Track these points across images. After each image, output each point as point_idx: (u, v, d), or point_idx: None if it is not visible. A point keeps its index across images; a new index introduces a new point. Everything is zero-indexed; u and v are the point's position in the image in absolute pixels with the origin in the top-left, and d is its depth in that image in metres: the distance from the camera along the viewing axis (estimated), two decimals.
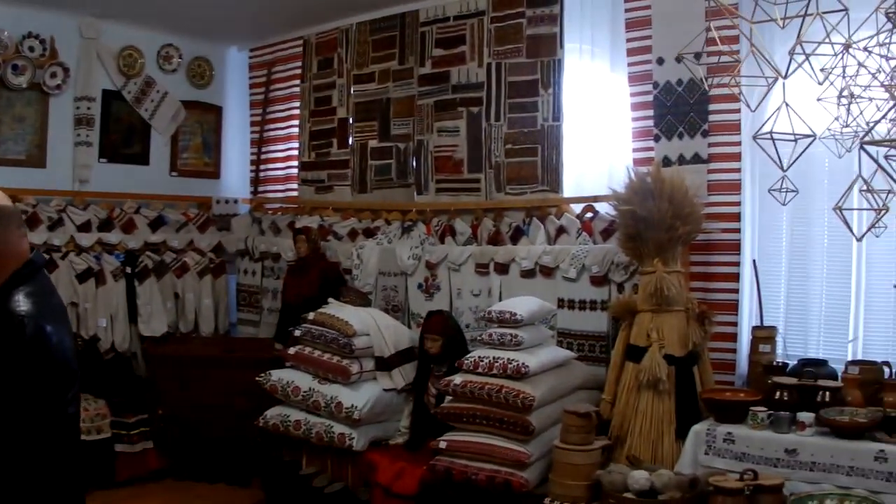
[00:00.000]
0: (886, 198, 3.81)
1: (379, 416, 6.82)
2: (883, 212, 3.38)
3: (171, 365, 8.41)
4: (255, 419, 7.22)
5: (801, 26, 2.85)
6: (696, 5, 6.65)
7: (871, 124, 3.59)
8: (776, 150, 3.21)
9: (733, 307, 6.56)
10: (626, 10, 7.08)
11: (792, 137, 3.20)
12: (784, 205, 3.57)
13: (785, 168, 3.23)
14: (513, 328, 6.20)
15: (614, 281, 6.78)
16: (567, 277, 6.97)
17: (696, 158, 6.71)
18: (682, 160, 6.76)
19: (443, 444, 6.04)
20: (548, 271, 7.07)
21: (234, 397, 7.88)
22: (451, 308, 7.54)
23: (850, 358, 6.11)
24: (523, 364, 5.93)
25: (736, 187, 6.62)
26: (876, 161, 3.38)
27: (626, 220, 6.16)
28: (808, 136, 3.19)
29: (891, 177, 3.13)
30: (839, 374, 5.81)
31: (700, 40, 6.55)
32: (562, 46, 7.45)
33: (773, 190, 3.52)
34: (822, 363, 5.98)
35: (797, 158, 3.21)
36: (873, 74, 3.40)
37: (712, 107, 6.68)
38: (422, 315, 7.43)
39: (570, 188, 7.46)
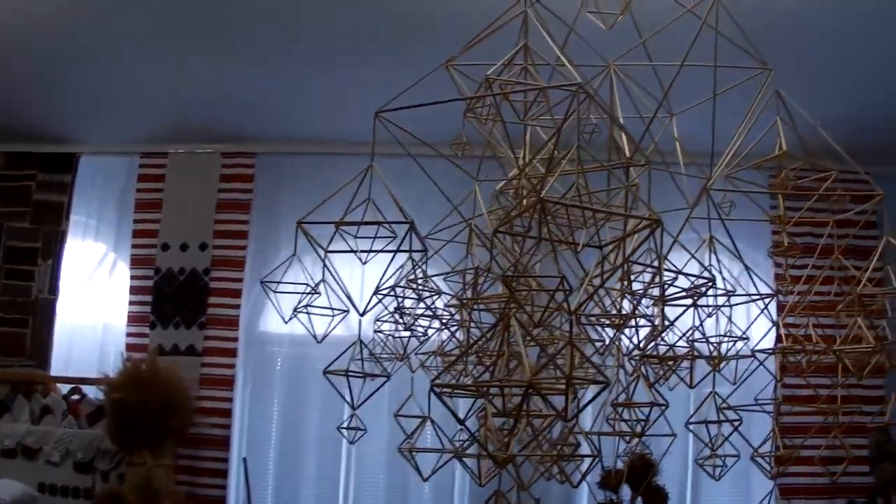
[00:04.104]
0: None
1: None
2: (422, 425, 3.01)
3: None
4: None
5: (388, 266, 2.45)
6: (209, 194, 6.32)
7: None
8: (349, 385, 2.73)
9: None
10: (138, 191, 6.48)
11: (362, 375, 2.76)
12: (352, 443, 3.09)
13: (355, 406, 2.75)
14: None
15: (100, 469, 5.92)
16: (50, 461, 6.00)
17: (191, 350, 6.21)
18: (176, 350, 6.22)
19: None
20: (31, 453, 6.05)
21: None
22: None
23: None
24: None
25: (229, 382, 6.18)
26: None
27: (117, 408, 5.45)
28: (382, 375, 2.76)
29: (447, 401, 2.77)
30: None
31: (209, 230, 6.19)
32: (67, 218, 6.62)
33: (342, 427, 3.03)
34: None
35: (369, 397, 2.77)
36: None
37: (212, 300, 6.27)
38: None
39: (58, 367, 6.55)
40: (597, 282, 2.18)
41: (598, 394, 2.06)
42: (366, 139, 5.87)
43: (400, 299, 2.58)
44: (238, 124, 6.19)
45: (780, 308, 2.89)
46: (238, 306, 6.23)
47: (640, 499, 5.14)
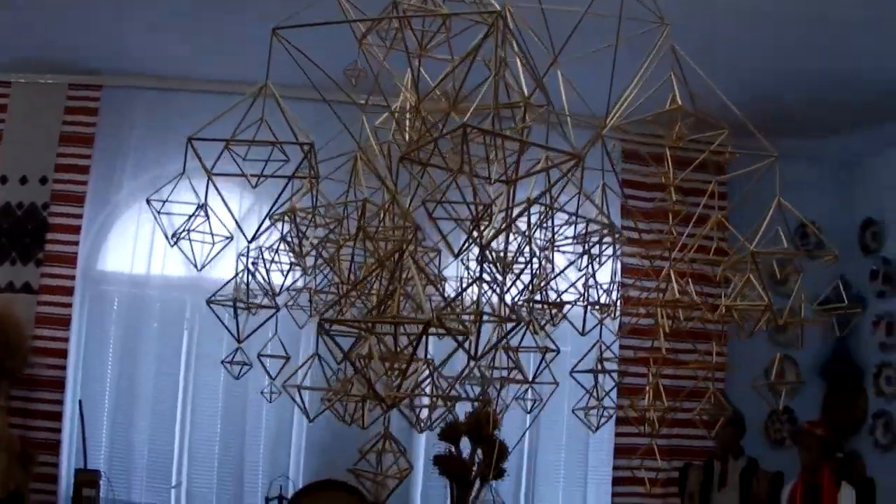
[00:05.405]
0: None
1: None
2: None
3: None
4: None
5: (283, 190, 2.26)
6: (52, 127, 5.92)
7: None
8: (236, 317, 2.51)
9: (55, 447, 5.65)
10: None
11: (245, 306, 2.55)
12: (237, 378, 2.86)
13: (241, 339, 2.54)
14: None
15: None
16: None
17: (27, 288, 5.82)
18: (11, 287, 5.82)
19: None
20: None
21: None
22: None
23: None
24: None
25: (65, 322, 5.83)
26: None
27: None
28: (270, 307, 2.56)
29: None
30: None
31: (51, 163, 5.82)
32: None
33: (226, 362, 2.80)
34: None
35: (257, 329, 2.56)
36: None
37: (50, 236, 5.89)
38: None
39: None
40: (501, 217, 2.06)
41: (508, 332, 1.94)
42: (218, 78, 5.72)
43: (294, 227, 2.38)
44: (85, 56, 5.81)
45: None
46: (77, 243, 5.88)
47: (479, 451, 5.06)
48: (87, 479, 5.43)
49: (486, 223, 1.83)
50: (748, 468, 5.46)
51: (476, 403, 2.42)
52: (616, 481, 6.11)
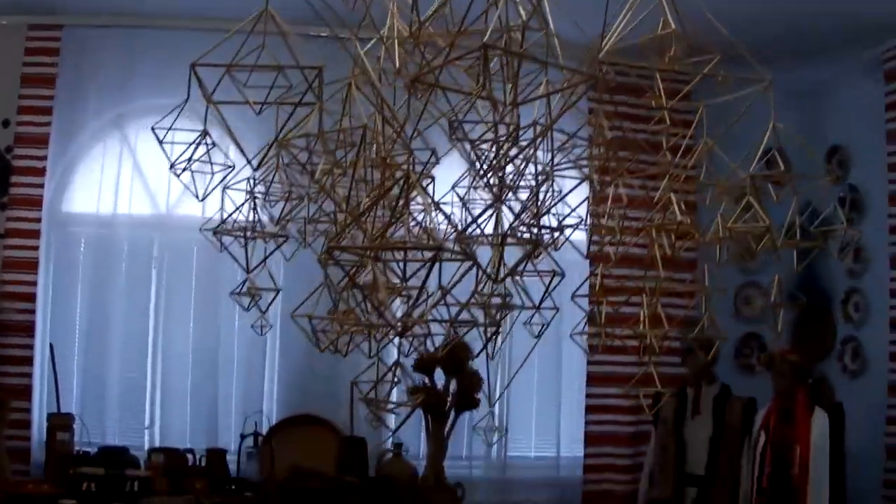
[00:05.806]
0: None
1: None
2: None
3: None
4: None
5: (290, 115, 2.21)
6: (13, 68, 5.76)
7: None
8: (246, 250, 2.48)
9: (26, 392, 5.58)
10: None
11: (244, 235, 2.51)
12: (247, 310, 2.82)
13: (249, 270, 2.50)
14: None
15: None
16: None
17: None
18: None
19: None
20: None
21: None
22: None
23: (148, 445, 5.66)
24: None
25: (33, 266, 5.74)
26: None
27: None
28: (282, 235, 2.53)
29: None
30: (142, 461, 5.27)
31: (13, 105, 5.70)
32: None
33: (235, 293, 2.76)
34: (122, 451, 5.35)
35: (267, 257, 2.53)
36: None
37: (15, 179, 5.76)
38: None
39: None
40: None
41: (530, 254, 1.93)
42: (178, 14, 5.61)
43: (301, 155, 2.33)
44: None
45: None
46: (42, 185, 5.76)
47: (454, 383, 5.05)
48: (60, 422, 5.35)
49: (510, 145, 1.81)
50: (721, 394, 5.52)
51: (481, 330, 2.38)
52: (589, 409, 6.19)
